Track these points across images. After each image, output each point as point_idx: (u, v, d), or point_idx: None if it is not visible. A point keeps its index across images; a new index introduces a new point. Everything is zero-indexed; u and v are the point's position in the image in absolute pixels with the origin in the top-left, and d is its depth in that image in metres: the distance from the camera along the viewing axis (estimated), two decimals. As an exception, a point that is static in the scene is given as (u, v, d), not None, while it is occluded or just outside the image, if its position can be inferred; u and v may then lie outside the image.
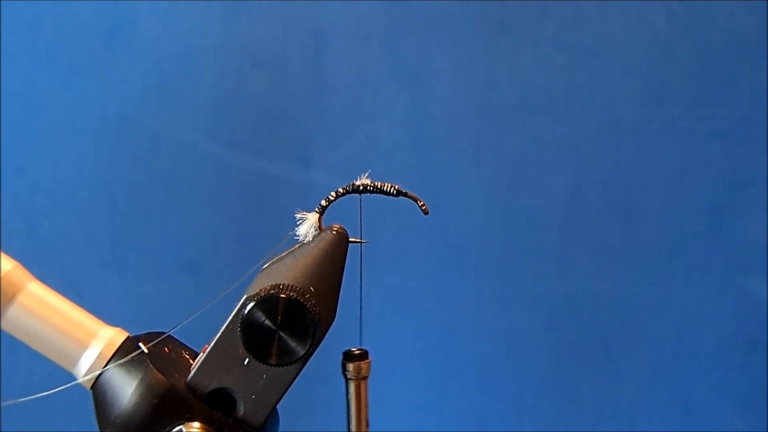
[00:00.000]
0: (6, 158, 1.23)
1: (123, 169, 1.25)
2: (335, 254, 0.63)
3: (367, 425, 0.65)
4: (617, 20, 1.26)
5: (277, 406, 0.63)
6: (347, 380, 0.65)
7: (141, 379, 0.61)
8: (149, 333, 0.65)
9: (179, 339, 0.67)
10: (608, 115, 1.27)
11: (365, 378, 0.65)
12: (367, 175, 0.64)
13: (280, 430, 0.67)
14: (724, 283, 1.29)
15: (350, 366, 0.65)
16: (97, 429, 0.62)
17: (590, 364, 1.30)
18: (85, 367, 0.62)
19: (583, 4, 1.26)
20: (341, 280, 0.63)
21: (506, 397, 1.30)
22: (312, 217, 0.63)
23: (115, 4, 1.24)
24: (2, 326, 0.62)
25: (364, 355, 0.65)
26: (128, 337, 0.64)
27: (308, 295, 0.61)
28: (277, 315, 0.60)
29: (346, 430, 0.65)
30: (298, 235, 0.63)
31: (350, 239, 0.64)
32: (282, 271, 0.62)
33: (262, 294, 0.60)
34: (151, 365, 0.61)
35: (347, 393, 0.65)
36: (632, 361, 1.30)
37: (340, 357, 0.65)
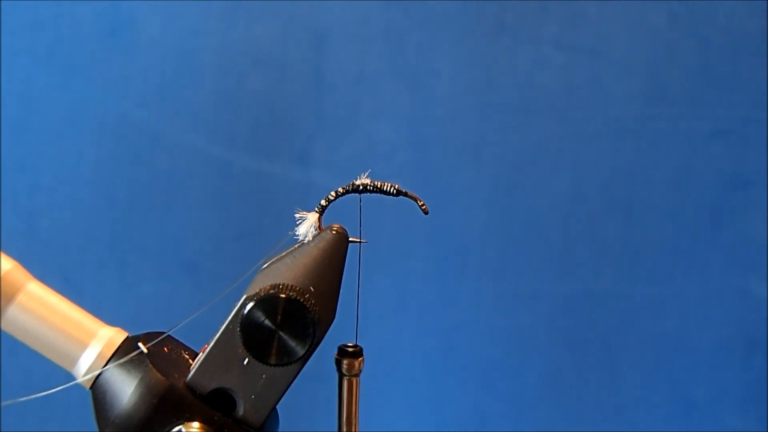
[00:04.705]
0: (6, 158, 1.23)
1: (123, 169, 1.25)
2: (335, 254, 0.63)
3: (357, 424, 0.65)
4: (617, 20, 1.26)
5: (277, 406, 0.63)
6: (340, 376, 0.65)
7: (140, 379, 0.61)
8: (149, 333, 0.65)
9: (179, 339, 0.67)
10: (608, 115, 1.27)
11: (357, 375, 0.65)
12: (367, 174, 0.63)
13: (280, 430, 0.67)
14: (724, 283, 1.28)
15: (344, 362, 0.64)
16: (97, 429, 0.62)
17: (590, 364, 1.30)
18: (84, 367, 0.62)
19: (583, 4, 1.26)
20: (341, 279, 0.63)
21: (506, 397, 1.30)
22: (312, 217, 0.63)
23: (115, 4, 1.24)
24: (1, 326, 0.62)
25: (358, 353, 0.65)
26: (128, 337, 0.64)
27: (308, 295, 0.61)
28: (277, 315, 0.60)
29: (336, 427, 0.65)
30: (298, 235, 0.63)
31: (350, 239, 0.63)
32: (282, 271, 0.62)
33: (262, 294, 0.60)
34: (150, 365, 0.61)
35: (339, 389, 0.65)
36: (632, 361, 1.30)
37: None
